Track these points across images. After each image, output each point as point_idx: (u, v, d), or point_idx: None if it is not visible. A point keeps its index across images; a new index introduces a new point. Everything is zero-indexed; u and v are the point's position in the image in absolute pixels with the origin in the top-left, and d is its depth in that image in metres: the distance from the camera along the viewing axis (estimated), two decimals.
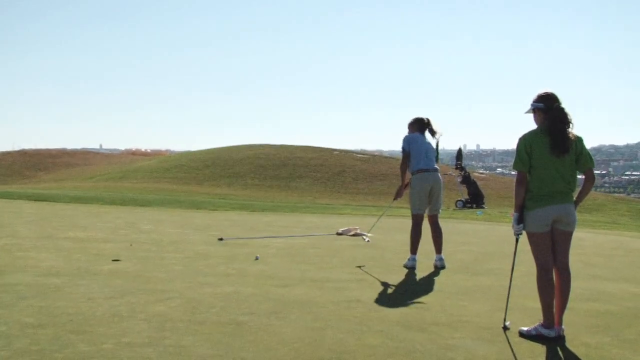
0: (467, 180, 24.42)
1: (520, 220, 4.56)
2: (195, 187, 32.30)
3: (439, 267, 7.22)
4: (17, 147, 56.14)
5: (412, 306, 5.34)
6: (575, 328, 4.78)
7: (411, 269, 7.13)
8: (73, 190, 26.79)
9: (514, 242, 4.77)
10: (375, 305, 5.33)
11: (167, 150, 78.17)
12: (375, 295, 5.73)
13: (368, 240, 9.64)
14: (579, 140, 4.55)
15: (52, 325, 4.46)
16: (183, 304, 5.18)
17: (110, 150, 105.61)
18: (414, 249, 7.26)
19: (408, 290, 6.00)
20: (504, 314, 4.96)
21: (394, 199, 7.84)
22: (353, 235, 10.50)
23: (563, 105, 4.53)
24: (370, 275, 6.78)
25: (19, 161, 49.21)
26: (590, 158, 4.55)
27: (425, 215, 7.34)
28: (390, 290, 5.98)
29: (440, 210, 7.38)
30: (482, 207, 23.21)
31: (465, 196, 24.28)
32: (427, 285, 6.31)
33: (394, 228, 12.42)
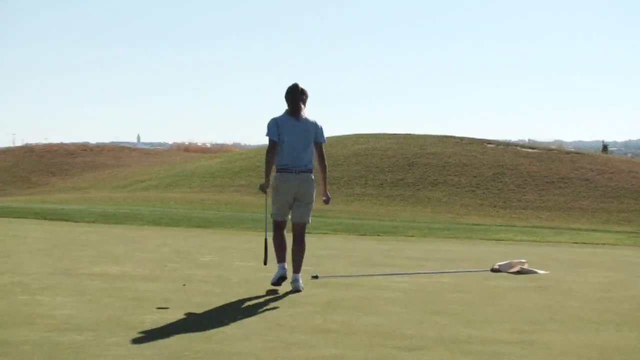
0: None
1: None
2: None
3: (292, 290, 8.72)
4: (19, 142, 59.15)
5: None
6: None
7: (278, 280, 8.85)
8: (100, 203, 27.86)
9: None
10: None
11: (235, 145, 79.98)
12: None
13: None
14: None
15: None
16: None
17: (152, 144, 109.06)
18: (278, 257, 9.04)
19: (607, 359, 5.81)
20: None
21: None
22: (517, 272, 10.31)
23: None
24: (546, 333, 6.61)
25: (24, 162, 51.71)
26: None
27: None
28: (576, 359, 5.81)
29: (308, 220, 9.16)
30: None
31: None
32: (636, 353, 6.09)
33: (582, 262, 12.10)
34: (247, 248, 12.91)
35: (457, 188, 34.31)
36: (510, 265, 10.54)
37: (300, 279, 8.85)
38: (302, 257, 9.05)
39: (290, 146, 8.96)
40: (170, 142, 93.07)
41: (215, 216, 21.38)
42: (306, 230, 9.22)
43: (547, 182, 34.98)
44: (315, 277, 9.48)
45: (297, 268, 8.93)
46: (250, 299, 8.04)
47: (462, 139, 42.78)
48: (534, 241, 16.52)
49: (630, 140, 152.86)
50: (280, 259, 9.03)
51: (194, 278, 9.25)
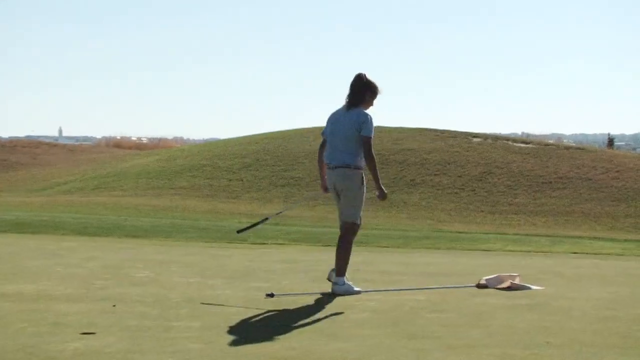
0: None
1: None
2: (226, 202, 32.70)
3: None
4: None
5: None
6: None
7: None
8: (13, 209, 27.58)
9: None
10: None
11: (176, 140, 79.72)
12: None
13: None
14: None
15: None
16: None
17: (76, 139, 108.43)
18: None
19: None
20: None
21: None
22: (507, 288, 10.36)
23: None
24: (541, 359, 6.66)
25: None
26: None
27: None
28: None
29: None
30: None
31: None
32: None
33: (583, 275, 12.19)
34: (189, 262, 12.87)
35: (438, 190, 34.44)
36: (500, 280, 10.58)
37: (341, 282, 9.86)
38: (340, 259, 9.94)
39: (329, 141, 10.03)
40: (99, 137, 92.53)
41: (152, 224, 21.28)
42: (354, 231, 10.10)
43: (542, 182, 35.18)
44: (270, 295, 9.46)
45: (337, 270, 9.94)
46: (193, 321, 8.01)
47: (443, 132, 42.90)
48: (528, 251, 16.61)
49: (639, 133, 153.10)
50: (337, 271, 9.98)
51: (126, 297, 9.20)
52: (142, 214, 27.18)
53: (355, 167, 9.86)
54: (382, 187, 10.08)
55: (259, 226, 11.01)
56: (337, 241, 10.08)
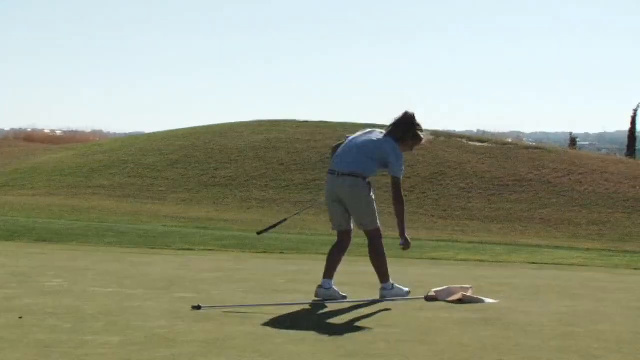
0: None
1: None
2: (150, 203, 32.54)
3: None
4: None
5: None
6: None
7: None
8: None
9: None
10: None
11: (95, 133, 79.07)
12: None
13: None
14: None
15: None
16: None
17: None
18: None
19: None
20: None
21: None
22: (458, 301, 10.42)
23: None
24: None
25: None
26: None
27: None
28: None
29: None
30: None
31: None
32: None
33: (541, 287, 12.30)
34: (107, 269, 12.80)
35: (384, 192, 34.24)
36: (450, 292, 10.64)
37: (389, 286, 10.48)
38: (376, 266, 10.54)
39: (345, 145, 10.46)
40: (7, 129, 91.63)
41: (66, 227, 21.13)
42: (380, 236, 10.67)
43: (499, 185, 35.38)
44: (197, 307, 9.42)
45: (380, 277, 10.53)
46: (110, 336, 7.96)
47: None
48: (482, 261, 16.71)
49: (605, 133, 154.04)
50: (325, 273, 10.46)
51: (35, 309, 9.13)
52: (55, 216, 26.96)
53: (363, 176, 10.13)
54: (407, 236, 10.48)
55: (277, 227, 11.54)
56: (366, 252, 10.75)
